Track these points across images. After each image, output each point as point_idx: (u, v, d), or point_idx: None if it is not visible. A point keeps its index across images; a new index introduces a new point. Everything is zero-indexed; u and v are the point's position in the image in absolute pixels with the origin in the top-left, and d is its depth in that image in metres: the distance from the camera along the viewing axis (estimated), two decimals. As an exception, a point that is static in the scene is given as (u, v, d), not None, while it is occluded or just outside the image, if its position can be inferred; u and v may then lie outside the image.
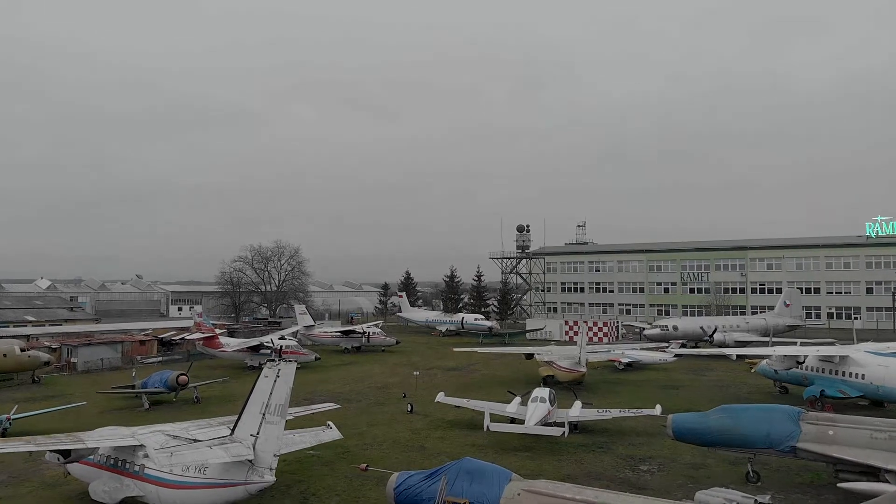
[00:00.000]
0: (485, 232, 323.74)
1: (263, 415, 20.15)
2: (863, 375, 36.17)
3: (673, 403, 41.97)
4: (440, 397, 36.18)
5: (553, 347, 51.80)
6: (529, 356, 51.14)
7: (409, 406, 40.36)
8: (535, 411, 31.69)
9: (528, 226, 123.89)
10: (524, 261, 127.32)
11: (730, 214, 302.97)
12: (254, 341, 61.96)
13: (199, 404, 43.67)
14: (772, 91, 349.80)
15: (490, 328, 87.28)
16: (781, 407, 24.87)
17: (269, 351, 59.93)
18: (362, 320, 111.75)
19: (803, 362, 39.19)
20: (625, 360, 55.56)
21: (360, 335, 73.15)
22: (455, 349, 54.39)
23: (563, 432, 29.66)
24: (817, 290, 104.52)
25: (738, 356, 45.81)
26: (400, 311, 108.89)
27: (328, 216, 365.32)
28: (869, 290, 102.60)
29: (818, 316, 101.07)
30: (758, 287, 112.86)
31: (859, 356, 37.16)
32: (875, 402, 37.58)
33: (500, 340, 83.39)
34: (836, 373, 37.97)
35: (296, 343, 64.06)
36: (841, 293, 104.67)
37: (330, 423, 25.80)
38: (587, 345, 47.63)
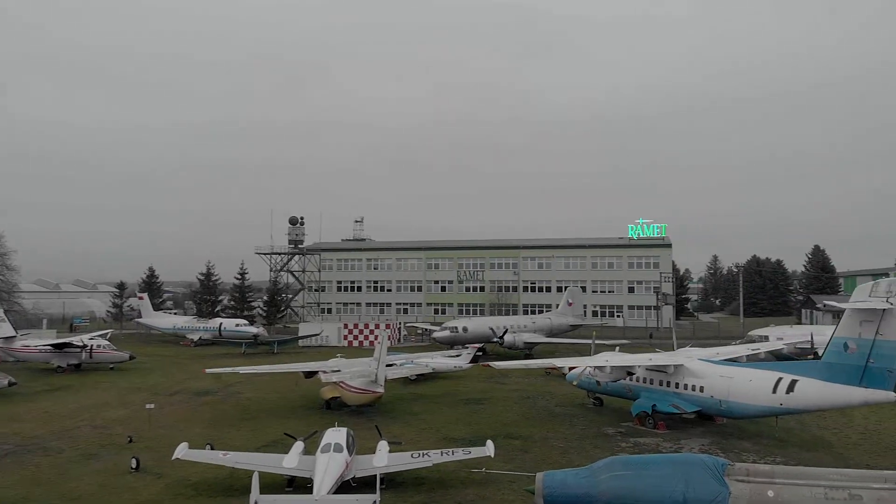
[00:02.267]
0: (253, 227, 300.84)
1: None
2: (702, 388, 31.61)
3: (485, 425, 34.62)
4: (181, 451, 24.06)
5: (340, 360, 41.67)
6: (310, 374, 40.32)
7: (133, 461, 27.42)
8: (328, 467, 21.51)
9: (301, 218, 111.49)
10: (297, 257, 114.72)
11: (503, 219, 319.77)
12: None
13: None
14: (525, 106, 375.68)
15: (255, 335, 74.15)
16: (697, 457, 17.71)
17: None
18: (93, 327, 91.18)
19: (635, 373, 33.91)
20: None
21: (78, 349, 55.86)
22: (207, 370, 41.41)
23: (375, 501, 19.77)
24: (583, 289, 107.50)
25: (547, 367, 39.60)
26: (140, 316, 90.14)
27: (61, 206, 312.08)
28: (631, 290, 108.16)
29: (584, 314, 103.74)
30: (529, 286, 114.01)
31: (695, 366, 32.70)
32: (703, 417, 33.42)
33: (268, 349, 71.08)
34: (669, 384, 33.17)
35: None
36: (605, 292, 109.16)
37: None
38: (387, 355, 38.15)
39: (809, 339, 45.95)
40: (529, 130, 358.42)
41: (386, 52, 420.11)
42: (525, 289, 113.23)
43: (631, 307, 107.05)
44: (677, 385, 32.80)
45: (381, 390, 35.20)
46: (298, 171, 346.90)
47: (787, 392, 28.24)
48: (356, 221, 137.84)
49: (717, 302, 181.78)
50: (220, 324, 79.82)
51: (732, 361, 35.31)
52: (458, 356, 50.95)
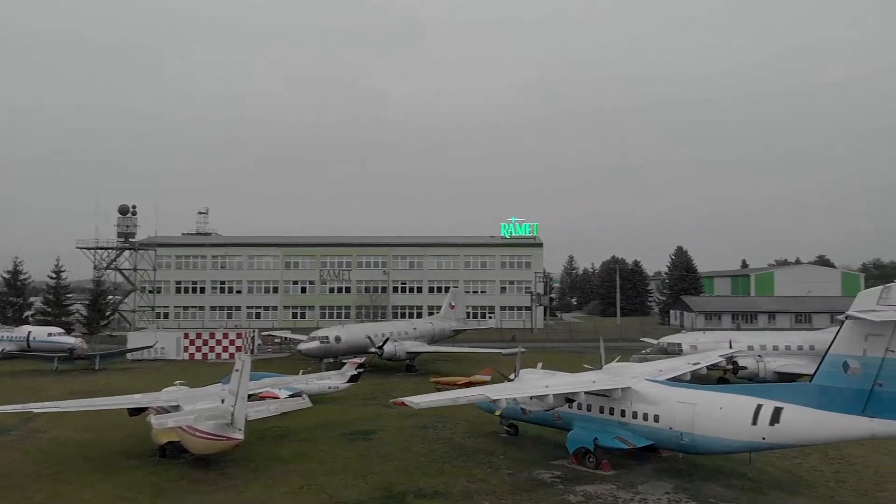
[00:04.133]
0: (78, 223, 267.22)
1: None
2: (656, 417, 25.42)
3: (383, 474, 26.41)
4: None
5: (180, 390, 31.16)
6: (137, 412, 29.48)
7: None
8: None
9: (134, 207, 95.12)
10: (128, 253, 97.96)
11: (371, 218, 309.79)
12: None
13: None
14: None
15: (72, 348, 60.04)
16: None
17: None
18: None
19: (576, 399, 27.08)
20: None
21: None
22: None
23: None
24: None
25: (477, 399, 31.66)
26: (-79, 324, 71.80)
27: None
28: (503, 290, 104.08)
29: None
30: (400, 286, 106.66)
31: (645, 388, 26.52)
32: (645, 448, 26.68)
33: (87, 365, 57.58)
34: (612, 412, 26.77)
35: None
36: (478, 292, 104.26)
37: None
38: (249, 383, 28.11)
39: (728, 347, 42.06)
40: (394, 131, 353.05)
41: (239, 48, 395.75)
42: (395, 289, 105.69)
43: (503, 308, 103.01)
44: (623, 413, 26.45)
45: (238, 436, 25.49)
46: (136, 167, 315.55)
47: (771, 423, 22.63)
48: (200, 213, 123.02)
49: (574, 301, 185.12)
50: (29, 333, 65.21)
51: (677, 381, 29.61)
52: (341, 373, 41.91)
